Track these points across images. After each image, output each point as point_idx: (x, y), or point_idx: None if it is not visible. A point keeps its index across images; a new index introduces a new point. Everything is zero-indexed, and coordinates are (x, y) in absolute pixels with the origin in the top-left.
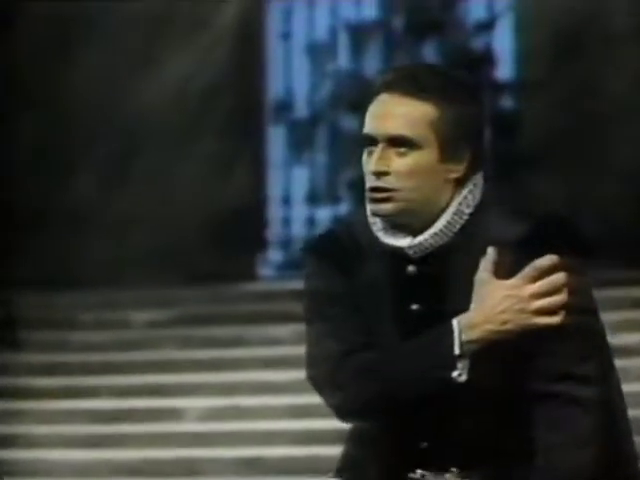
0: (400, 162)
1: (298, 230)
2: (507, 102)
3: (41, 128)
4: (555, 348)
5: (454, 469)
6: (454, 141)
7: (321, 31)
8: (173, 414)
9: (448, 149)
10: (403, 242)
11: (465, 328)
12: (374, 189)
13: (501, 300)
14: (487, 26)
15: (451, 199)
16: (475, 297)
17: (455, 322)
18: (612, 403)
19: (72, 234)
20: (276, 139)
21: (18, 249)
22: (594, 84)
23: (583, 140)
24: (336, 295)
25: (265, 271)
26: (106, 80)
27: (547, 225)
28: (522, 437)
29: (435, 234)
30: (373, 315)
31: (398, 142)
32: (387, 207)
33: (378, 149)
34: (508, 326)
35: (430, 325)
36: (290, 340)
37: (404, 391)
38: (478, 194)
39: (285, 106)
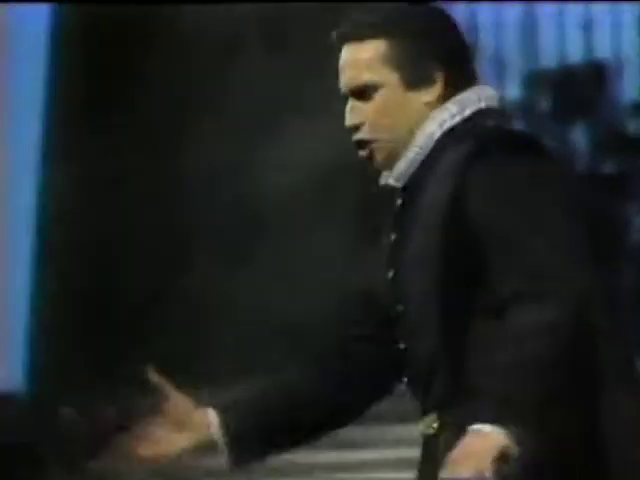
0: (369, 109)
1: None
2: None
3: (155, 207)
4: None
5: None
6: (417, 66)
7: None
8: None
9: (412, 77)
10: (385, 178)
11: None
12: (357, 144)
13: None
14: None
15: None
16: None
17: None
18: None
19: (190, 323)
20: None
21: (131, 344)
22: None
23: None
24: None
25: None
26: (227, 155)
27: (486, 137)
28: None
29: (407, 159)
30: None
31: (361, 90)
32: (376, 162)
33: (349, 103)
34: None
35: (394, 255)
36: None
37: None
38: (462, 110)
39: None
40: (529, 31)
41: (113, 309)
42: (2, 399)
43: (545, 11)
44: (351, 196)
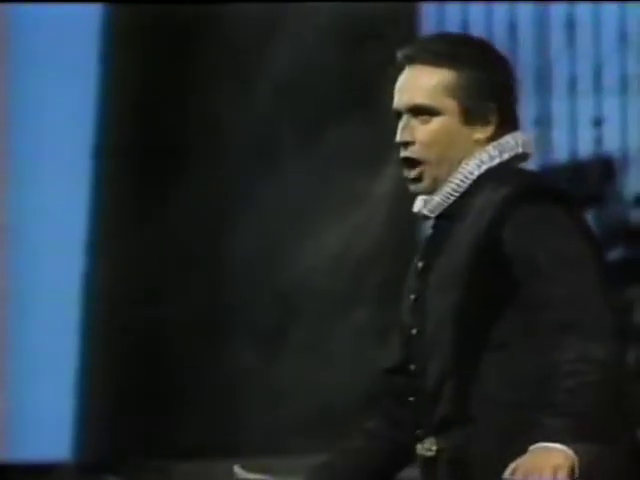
0: (423, 130)
1: None
2: None
3: (194, 292)
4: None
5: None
6: (476, 103)
7: None
8: None
9: (471, 111)
10: (418, 205)
11: None
12: (404, 161)
13: None
14: None
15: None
16: None
17: None
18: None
19: (229, 401)
20: None
21: (174, 416)
22: None
23: None
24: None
25: None
26: (261, 242)
27: (526, 184)
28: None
29: (444, 193)
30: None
31: (418, 111)
32: (420, 186)
33: (403, 120)
34: None
35: (419, 280)
36: None
37: None
38: (501, 154)
39: None
40: (543, 125)
41: (155, 386)
42: (49, 468)
43: (558, 108)
44: (379, 281)
